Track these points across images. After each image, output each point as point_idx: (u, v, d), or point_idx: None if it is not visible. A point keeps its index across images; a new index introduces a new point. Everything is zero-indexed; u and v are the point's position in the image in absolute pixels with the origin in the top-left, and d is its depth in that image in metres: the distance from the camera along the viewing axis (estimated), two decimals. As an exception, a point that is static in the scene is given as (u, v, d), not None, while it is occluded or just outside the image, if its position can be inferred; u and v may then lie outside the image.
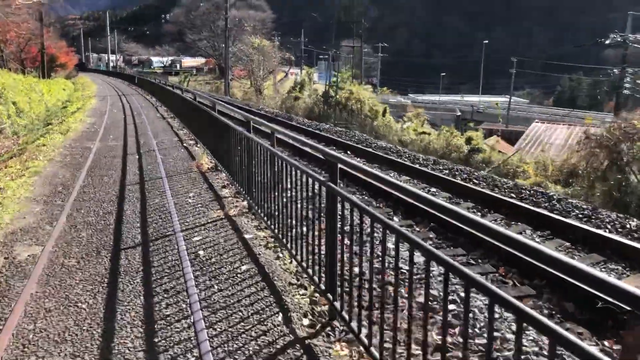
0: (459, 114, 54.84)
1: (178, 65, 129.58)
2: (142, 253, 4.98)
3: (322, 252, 3.68)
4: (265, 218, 5.42)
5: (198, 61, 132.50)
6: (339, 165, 3.53)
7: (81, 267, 4.62)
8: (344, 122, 26.06)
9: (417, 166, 11.80)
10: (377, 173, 3.17)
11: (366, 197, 8.86)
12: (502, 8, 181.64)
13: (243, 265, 4.63)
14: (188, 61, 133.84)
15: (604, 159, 11.84)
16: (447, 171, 11.75)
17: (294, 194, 4.32)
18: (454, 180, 10.11)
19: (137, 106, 23.55)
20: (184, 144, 12.37)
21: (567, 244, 6.73)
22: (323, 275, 3.72)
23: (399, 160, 12.47)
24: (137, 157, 10.58)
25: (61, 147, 11.73)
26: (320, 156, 4.03)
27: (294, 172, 4.30)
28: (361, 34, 29.61)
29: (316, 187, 3.86)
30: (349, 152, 13.78)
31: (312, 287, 4.06)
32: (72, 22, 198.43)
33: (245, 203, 6.67)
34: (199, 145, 11.92)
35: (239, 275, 4.40)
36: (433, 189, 9.73)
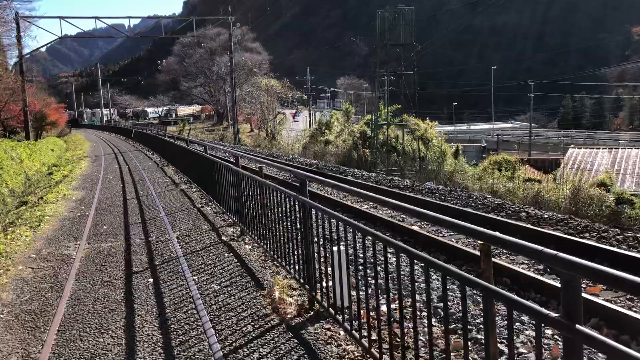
0: (484, 144, 50.57)
1: (174, 114, 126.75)
2: None
3: None
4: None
5: (194, 109, 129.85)
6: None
7: None
8: (398, 169, 21.59)
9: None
10: None
11: None
12: (491, 35, 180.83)
13: None
14: (184, 109, 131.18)
15: None
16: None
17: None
18: None
19: (138, 167, 18.99)
20: (223, 236, 7.72)
21: None
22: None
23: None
24: (152, 280, 5.90)
25: (22, 260, 7.09)
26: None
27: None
28: (413, 58, 25.27)
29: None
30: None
31: None
32: (64, 80, 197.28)
33: None
34: (247, 240, 7.29)
35: None
36: None
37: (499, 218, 9.44)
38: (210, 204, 10.46)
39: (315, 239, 4.60)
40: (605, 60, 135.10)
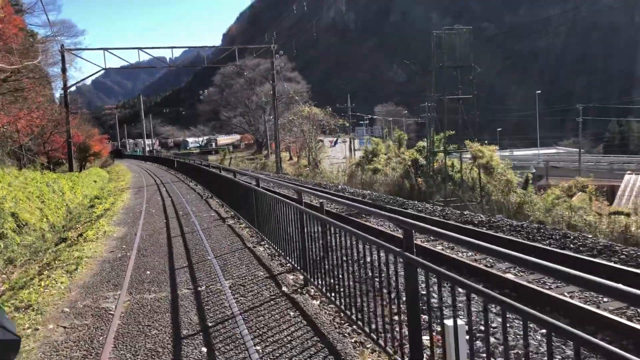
0: (533, 171, 48.28)
1: (214, 144, 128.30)
2: None
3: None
4: None
5: (233, 138, 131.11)
6: None
7: None
8: (457, 200, 20.10)
9: None
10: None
11: None
12: (532, 60, 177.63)
13: None
14: (223, 139, 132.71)
15: None
16: None
17: None
18: None
19: (182, 200, 18.19)
20: (283, 286, 6.56)
21: None
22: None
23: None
24: (205, 350, 4.78)
25: (54, 316, 6.12)
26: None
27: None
28: (472, 81, 23.95)
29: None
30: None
31: None
32: (108, 112, 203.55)
33: None
34: (313, 292, 6.14)
35: None
36: None
37: (627, 268, 7.81)
38: (262, 243, 9.38)
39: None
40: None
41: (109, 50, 31.58)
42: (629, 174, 34.85)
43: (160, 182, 29.04)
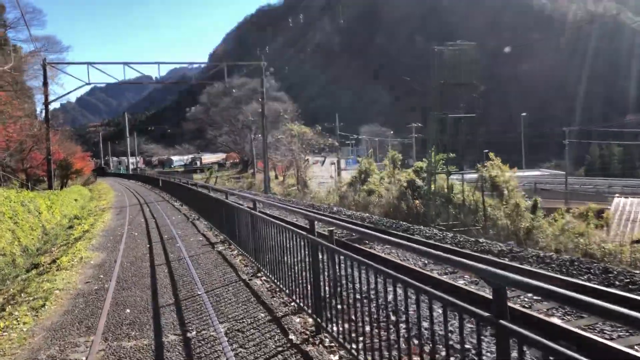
0: (522, 193, 47.73)
1: (198, 162, 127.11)
2: None
3: None
4: None
5: (218, 157, 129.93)
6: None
7: None
8: (459, 224, 19.14)
9: None
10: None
11: None
12: (512, 83, 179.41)
13: None
14: (208, 157, 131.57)
15: None
16: None
17: None
18: None
19: (166, 222, 17.02)
20: (291, 333, 5.50)
21: None
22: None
23: None
24: None
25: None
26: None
27: None
28: (476, 99, 23.03)
29: None
30: None
31: None
32: (92, 129, 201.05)
33: None
34: (328, 342, 5.08)
35: None
36: None
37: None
38: (259, 275, 8.30)
39: None
40: (628, 107, 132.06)
41: (94, 65, 30.48)
42: (617, 197, 34.37)
43: (143, 201, 27.78)
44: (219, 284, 7.97)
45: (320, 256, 5.33)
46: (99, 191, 47.20)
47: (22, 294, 8.40)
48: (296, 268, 6.18)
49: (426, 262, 9.94)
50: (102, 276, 9.08)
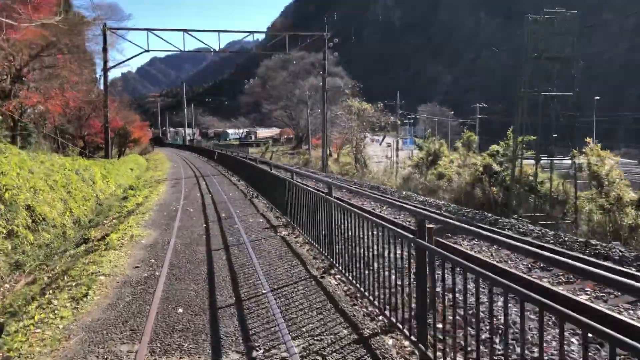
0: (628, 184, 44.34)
1: (253, 137, 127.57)
2: None
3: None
4: None
5: (273, 131, 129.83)
6: None
7: None
8: (544, 217, 17.22)
9: None
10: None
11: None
12: (582, 67, 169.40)
13: None
14: (263, 132, 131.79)
15: None
16: None
17: None
18: None
19: (223, 198, 16.04)
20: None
21: None
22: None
23: None
24: None
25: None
26: None
27: None
28: (574, 76, 20.70)
29: None
30: None
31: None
32: (152, 99, 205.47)
33: None
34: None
35: None
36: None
37: None
38: (332, 272, 7.02)
39: None
40: None
41: (153, 32, 29.85)
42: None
43: (199, 174, 27.12)
44: (285, 280, 6.74)
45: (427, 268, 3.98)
46: (155, 161, 47.41)
47: (65, 277, 7.46)
48: (386, 273, 4.87)
49: (529, 264, 8.38)
50: (153, 260, 8.04)
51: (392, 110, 62.48)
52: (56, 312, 5.77)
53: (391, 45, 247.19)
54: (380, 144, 54.24)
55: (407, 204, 12.47)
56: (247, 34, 33.00)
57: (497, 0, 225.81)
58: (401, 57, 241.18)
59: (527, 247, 3.14)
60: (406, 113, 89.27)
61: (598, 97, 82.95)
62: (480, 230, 3.64)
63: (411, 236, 4.27)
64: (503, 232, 11.23)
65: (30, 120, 21.46)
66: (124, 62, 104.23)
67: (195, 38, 30.56)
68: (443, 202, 17.38)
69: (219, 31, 31.81)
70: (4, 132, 17.50)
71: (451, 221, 4.60)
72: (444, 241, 9.48)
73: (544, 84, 20.90)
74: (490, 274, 3.24)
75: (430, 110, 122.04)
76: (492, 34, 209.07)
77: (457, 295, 3.62)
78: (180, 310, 5.69)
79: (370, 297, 5.28)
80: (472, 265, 3.43)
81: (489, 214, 14.40)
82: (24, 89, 18.11)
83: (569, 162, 19.81)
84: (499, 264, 8.21)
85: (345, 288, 6.37)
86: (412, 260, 4.31)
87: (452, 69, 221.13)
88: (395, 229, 4.65)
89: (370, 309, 5.55)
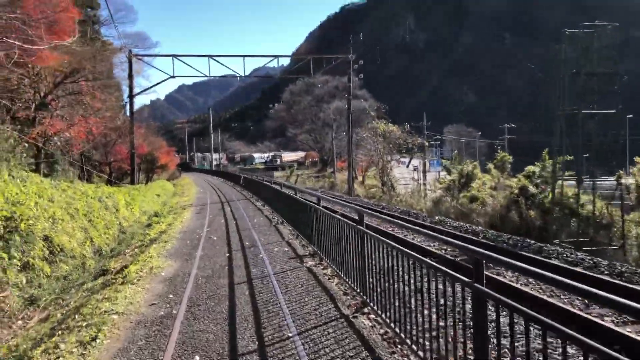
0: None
1: (278, 160, 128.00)
2: None
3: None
4: None
5: (297, 155, 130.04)
6: None
7: None
8: (588, 242, 16.21)
9: None
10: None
11: None
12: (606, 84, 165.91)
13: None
14: (288, 155, 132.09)
15: None
16: None
17: None
18: None
19: (248, 225, 15.50)
20: None
21: None
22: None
23: None
24: None
25: None
26: None
27: None
28: (617, 91, 19.81)
29: None
30: None
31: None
32: (179, 126, 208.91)
33: None
34: None
35: None
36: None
37: None
38: (365, 310, 6.32)
39: None
40: None
41: (178, 58, 29.95)
42: None
43: (225, 199, 26.74)
44: (314, 320, 6.07)
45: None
46: (182, 186, 47.41)
47: (77, 315, 6.94)
48: (434, 316, 4.19)
49: (586, 301, 7.56)
50: (171, 296, 7.47)
51: (418, 131, 61.76)
52: (60, 359, 5.22)
53: (415, 67, 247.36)
54: (407, 166, 53.29)
55: (450, 233, 11.70)
56: (272, 58, 32.85)
57: (521, 21, 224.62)
58: (425, 78, 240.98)
59: (601, 293, 2.51)
60: (432, 134, 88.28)
61: (631, 115, 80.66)
62: (544, 273, 2.96)
63: (467, 280, 3.59)
64: (550, 262, 10.34)
65: (57, 148, 21.43)
66: (149, 88, 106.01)
67: (220, 64, 30.54)
68: (480, 227, 16.44)
69: (244, 56, 31.83)
70: (28, 160, 17.36)
71: (515, 263, 3.90)
72: (487, 273, 8.70)
73: (577, 102, 19.97)
74: (566, 329, 2.59)
75: (457, 131, 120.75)
76: (515, 54, 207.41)
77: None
78: (197, 357, 5.07)
79: (412, 345, 4.59)
80: (546, 320, 2.77)
81: (532, 241, 13.45)
82: (48, 116, 18.07)
83: (609, 183, 18.75)
84: (549, 299, 7.38)
85: (382, 331, 5.67)
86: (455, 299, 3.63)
87: (477, 89, 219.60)
88: (447, 270, 3.97)
89: (412, 358, 4.84)
